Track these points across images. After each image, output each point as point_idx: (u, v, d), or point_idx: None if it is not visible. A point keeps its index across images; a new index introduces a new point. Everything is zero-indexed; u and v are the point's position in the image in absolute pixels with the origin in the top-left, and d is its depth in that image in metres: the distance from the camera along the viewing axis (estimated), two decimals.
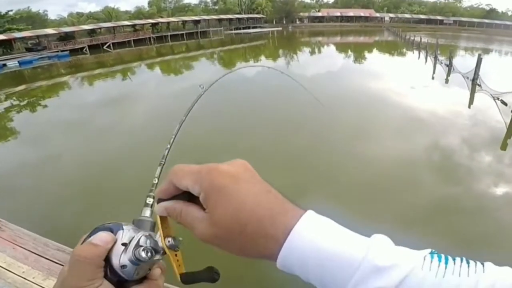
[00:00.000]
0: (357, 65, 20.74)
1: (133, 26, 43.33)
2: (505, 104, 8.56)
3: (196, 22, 49.53)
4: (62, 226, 3.92)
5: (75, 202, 4.67)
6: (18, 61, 26.07)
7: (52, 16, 58.54)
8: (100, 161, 6.24)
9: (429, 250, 0.28)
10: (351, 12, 64.21)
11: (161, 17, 52.13)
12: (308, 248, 0.28)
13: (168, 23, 47.80)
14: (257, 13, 60.04)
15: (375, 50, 29.06)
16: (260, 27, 56.55)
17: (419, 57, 21.20)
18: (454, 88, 11.89)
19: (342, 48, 32.44)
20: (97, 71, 21.14)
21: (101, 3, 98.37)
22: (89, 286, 0.31)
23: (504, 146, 6.44)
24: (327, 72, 16.65)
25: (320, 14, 65.50)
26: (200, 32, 48.15)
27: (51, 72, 23.61)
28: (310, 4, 70.54)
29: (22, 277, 1.82)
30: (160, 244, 0.35)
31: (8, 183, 5.43)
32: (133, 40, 39.16)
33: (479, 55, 11.57)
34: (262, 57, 25.23)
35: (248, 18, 58.18)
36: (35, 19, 46.37)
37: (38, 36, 33.08)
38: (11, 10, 38.76)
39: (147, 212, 0.38)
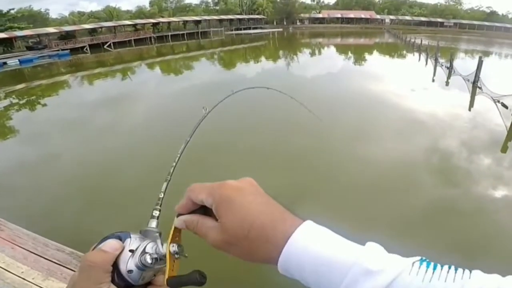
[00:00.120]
0: (357, 67, 20.72)
1: (134, 25, 43.26)
2: (506, 107, 8.55)
3: (197, 22, 49.56)
4: (62, 225, 3.91)
5: (75, 202, 4.65)
6: (19, 60, 25.93)
7: (53, 15, 58.43)
8: (99, 161, 6.21)
9: (418, 258, 0.30)
10: (351, 14, 64.24)
11: (162, 17, 52.08)
12: (304, 254, 0.31)
13: (169, 23, 47.76)
14: (258, 14, 60.04)
15: (375, 52, 28.98)
16: (261, 27, 56.54)
17: (419, 59, 21.17)
18: (454, 91, 11.86)
19: (342, 49, 32.41)
20: (97, 70, 21.10)
21: (103, 2, 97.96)
22: None
23: (504, 149, 6.44)
24: (327, 74, 16.64)
25: (320, 15, 65.53)
26: (201, 32, 48.15)
27: (51, 70, 23.54)
28: (311, 5, 70.55)
29: (21, 278, 1.80)
30: (164, 250, 0.37)
31: (7, 182, 5.41)
32: (134, 39, 39.11)
33: (480, 57, 11.54)
34: (262, 58, 25.19)
35: (248, 19, 58.19)
36: (36, 18, 46.34)
37: (39, 35, 33.02)
38: (13, 9, 38.81)
39: (153, 224, 0.41)
